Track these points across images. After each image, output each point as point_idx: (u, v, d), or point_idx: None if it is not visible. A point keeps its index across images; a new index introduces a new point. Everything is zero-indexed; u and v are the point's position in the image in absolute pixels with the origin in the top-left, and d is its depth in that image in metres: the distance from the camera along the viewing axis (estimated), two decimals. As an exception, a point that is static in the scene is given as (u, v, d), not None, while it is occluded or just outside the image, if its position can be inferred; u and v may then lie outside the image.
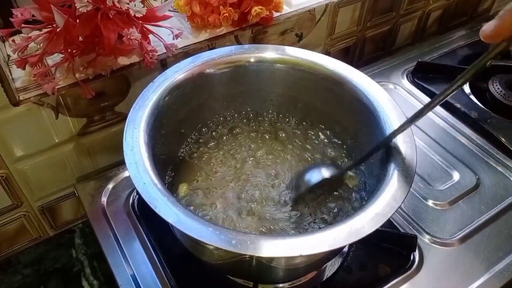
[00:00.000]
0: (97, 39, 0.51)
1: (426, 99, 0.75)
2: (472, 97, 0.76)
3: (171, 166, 0.54)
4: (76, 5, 0.47)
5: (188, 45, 0.59)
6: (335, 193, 0.52)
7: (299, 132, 0.59)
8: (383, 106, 0.49)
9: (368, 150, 0.47)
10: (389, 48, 0.88)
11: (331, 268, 0.54)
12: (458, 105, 0.73)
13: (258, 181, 0.53)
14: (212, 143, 0.57)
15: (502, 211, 0.60)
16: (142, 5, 0.51)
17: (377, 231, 0.38)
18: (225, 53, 0.54)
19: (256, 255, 0.36)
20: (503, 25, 0.32)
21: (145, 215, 0.57)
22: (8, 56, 0.55)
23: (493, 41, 0.33)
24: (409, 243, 0.54)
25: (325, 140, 0.58)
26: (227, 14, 0.59)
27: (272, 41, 0.66)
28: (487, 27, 0.33)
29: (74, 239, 0.64)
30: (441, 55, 0.84)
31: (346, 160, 0.56)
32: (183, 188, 0.52)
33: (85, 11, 0.47)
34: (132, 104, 0.47)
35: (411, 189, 0.41)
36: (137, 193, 0.58)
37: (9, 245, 0.62)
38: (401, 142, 0.45)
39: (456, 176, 0.64)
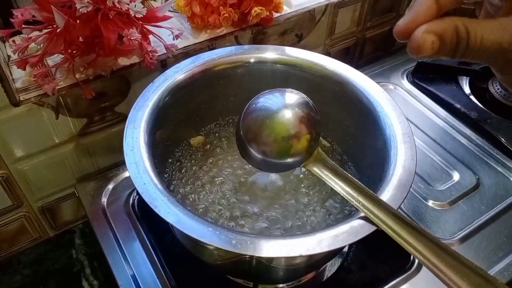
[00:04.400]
0: (97, 40, 0.51)
1: (426, 100, 0.75)
2: (472, 97, 0.76)
3: (171, 166, 0.54)
4: (76, 5, 0.47)
5: (188, 46, 0.59)
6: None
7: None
8: (383, 106, 0.49)
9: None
10: (389, 49, 0.88)
11: (331, 268, 0.54)
12: (458, 106, 0.73)
13: (257, 179, 0.53)
14: (213, 143, 0.57)
15: (502, 211, 0.60)
16: (142, 6, 0.51)
17: (377, 231, 0.38)
18: (225, 53, 0.54)
19: (256, 255, 0.36)
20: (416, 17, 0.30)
21: (145, 215, 0.57)
22: (9, 56, 0.55)
23: (404, 37, 0.30)
24: (409, 243, 0.54)
25: (325, 141, 0.58)
26: (227, 15, 0.59)
27: (272, 41, 0.66)
28: (400, 22, 0.30)
29: (74, 239, 0.64)
30: (441, 56, 0.84)
31: (343, 158, 0.56)
32: (196, 140, 0.54)
33: (85, 11, 0.47)
34: (132, 105, 0.47)
35: (411, 189, 0.41)
36: (137, 193, 0.59)
37: (9, 245, 0.62)
38: (401, 142, 0.45)
39: (456, 176, 0.64)
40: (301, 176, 0.54)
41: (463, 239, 0.57)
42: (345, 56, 0.81)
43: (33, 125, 0.53)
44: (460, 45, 0.28)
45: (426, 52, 0.28)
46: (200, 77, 0.53)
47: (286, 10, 0.65)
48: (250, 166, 0.54)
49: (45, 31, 0.51)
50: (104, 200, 0.59)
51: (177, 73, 0.51)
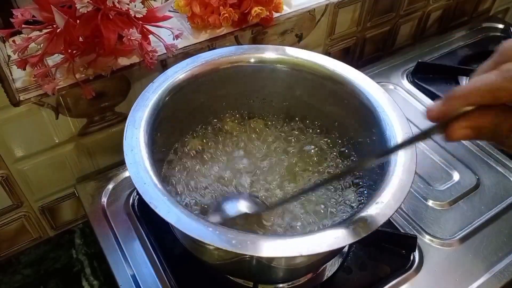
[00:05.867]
0: (97, 40, 0.51)
1: (426, 100, 0.75)
2: (472, 97, 0.76)
3: (170, 165, 0.54)
4: (76, 5, 0.47)
5: (188, 46, 0.59)
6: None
7: (298, 132, 0.59)
8: (383, 106, 0.49)
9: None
10: (389, 49, 0.88)
11: (331, 268, 0.54)
12: (458, 105, 0.73)
13: (256, 179, 0.54)
14: (212, 143, 0.57)
15: (502, 211, 0.60)
16: (142, 6, 0.51)
17: (377, 231, 0.38)
18: (225, 53, 0.54)
19: (256, 255, 0.36)
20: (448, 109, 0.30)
21: (145, 215, 0.57)
22: (9, 56, 0.55)
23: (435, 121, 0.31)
24: (409, 243, 0.54)
25: (325, 140, 0.58)
26: (227, 15, 0.59)
27: (272, 41, 0.66)
28: (433, 109, 0.31)
29: (74, 239, 0.64)
30: (441, 55, 0.84)
31: (344, 159, 0.56)
32: (193, 143, 0.55)
33: (85, 11, 0.47)
34: (132, 105, 0.47)
35: (411, 189, 0.41)
36: (137, 193, 0.59)
37: (10, 245, 0.62)
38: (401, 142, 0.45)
39: (456, 176, 0.64)
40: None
41: (463, 239, 0.57)
42: (345, 56, 0.81)
43: (33, 125, 0.53)
44: (497, 138, 0.28)
45: (462, 139, 0.29)
46: (200, 77, 0.53)
47: (286, 10, 0.65)
48: (250, 165, 0.55)
49: (45, 31, 0.51)
50: (104, 200, 0.59)
51: (177, 73, 0.51)
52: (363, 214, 0.39)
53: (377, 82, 0.52)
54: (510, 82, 0.26)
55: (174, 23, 0.62)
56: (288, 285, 0.53)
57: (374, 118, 0.49)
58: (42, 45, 0.51)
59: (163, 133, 0.50)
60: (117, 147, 0.62)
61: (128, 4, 0.50)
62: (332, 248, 0.37)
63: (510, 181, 0.63)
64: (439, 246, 0.56)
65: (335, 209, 0.51)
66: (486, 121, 0.28)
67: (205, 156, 0.56)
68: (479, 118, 0.28)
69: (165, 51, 0.56)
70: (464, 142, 0.69)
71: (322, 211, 0.51)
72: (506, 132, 0.27)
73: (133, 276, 0.52)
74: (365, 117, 0.51)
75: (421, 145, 0.68)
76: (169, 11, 0.58)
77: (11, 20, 0.49)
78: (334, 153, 0.56)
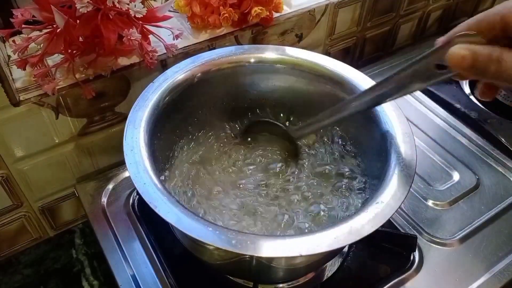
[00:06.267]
0: (97, 40, 0.51)
1: (426, 99, 0.76)
2: (472, 97, 0.76)
3: (171, 165, 0.54)
4: (76, 5, 0.47)
5: (188, 46, 0.59)
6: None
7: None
8: (383, 106, 0.49)
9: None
10: (389, 49, 0.88)
11: (331, 268, 0.54)
12: (458, 105, 0.73)
13: (256, 179, 0.53)
14: (212, 143, 0.57)
15: (502, 211, 0.60)
16: (142, 6, 0.51)
17: (377, 231, 0.38)
18: (225, 53, 0.54)
19: (256, 255, 0.36)
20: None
21: (145, 215, 0.57)
22: (9, 56, 0.55)
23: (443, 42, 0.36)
24: (409, 243, 0.54)
25: (325, 141, 0.58)
26: (227, 15, 0.59)
27: (272, 41, 0.66)
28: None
29: (74, 239, 0.64)
30: (441, 56, 0.84)
31: (344, 158, 0.56)
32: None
33: (85, 11, 0.47)
34: (132, 105, 0.47)
35: (411, 189, 0.41)
36: (137, 193, 0.59)
37: (9, 245, 0.62)
38: (401, 142, 0.45)
39: (456, 176, 0.64)
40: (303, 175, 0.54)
41: (463, 239, 0.57)
42: (345, 56, 0.81)
43: (33, 125, 0.53)
44: (491, 67, 0.31)
45: (458, 64, 0.33)
46: (200, 77, 0.53)
47: (286, 10, 0.65)
48: (250, 165, 0.55)
49: (45, 31, 0.51)
50: (104, 200, 0.59)
51: (177, 73, 0.51)
52: (363, 213, 0.39)
53: (377, 82, 0.52)
54: (503, 9, 0.31)
55: (174, 23, 0.62)
56: (288, 285, 0.53)
57: (374, 118, 0.49)
58: (42, 45, 0.51)
59: (163, 133, 0.50)
60: (117, 147, 0.62)
61: (128, 4, 0.50)
62: (332, 248, 0.37)
63: (510, 181, 0.63)
64: (439, 246, 0.56)
65: (335, 210, 0.51)
66: (482, 48, 0.32)
67: (206, 155, 0.56)
68: (477, 42, 0.32)
69: (165, 51, 0.56)
70: (463, 142, 0.69)
71: (322, 212, 0.51)
72: (496, 62, 0.31)
73: (133, 276, 0.52)
74: (365, 117, 0.51)
75: (421, 144, 0.68)
76: (169, 11, 0.58)
77: (11, 20, 0.49)
78: (335, 154, 0.56)
